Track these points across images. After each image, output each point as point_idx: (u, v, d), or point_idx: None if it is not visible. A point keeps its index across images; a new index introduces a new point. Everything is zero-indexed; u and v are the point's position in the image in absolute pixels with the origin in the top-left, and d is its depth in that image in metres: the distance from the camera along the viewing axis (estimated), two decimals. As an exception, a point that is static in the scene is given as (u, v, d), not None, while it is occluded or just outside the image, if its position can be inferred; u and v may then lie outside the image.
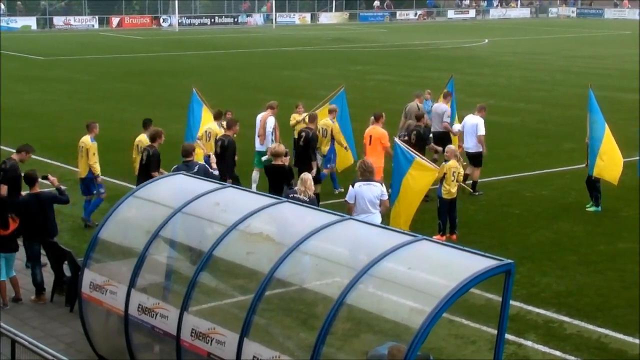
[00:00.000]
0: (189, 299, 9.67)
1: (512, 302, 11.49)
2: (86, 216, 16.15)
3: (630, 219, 17.29)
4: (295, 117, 19.11)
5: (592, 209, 17.67)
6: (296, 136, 17.75)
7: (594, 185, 17.68)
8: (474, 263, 8.32)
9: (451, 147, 16.06)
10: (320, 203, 18.04)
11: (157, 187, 11.65)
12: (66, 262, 12.80)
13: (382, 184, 13.75)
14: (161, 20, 75.20)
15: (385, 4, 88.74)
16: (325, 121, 18.52)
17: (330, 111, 18.64)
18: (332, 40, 61.69)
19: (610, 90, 29.61)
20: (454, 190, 15.67)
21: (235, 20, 79.18)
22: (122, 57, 48.12)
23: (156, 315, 9.97)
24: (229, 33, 68.41)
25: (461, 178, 15.82)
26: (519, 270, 13.19)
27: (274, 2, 77.26)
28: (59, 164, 20.91)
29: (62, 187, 13.29)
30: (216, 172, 15.02)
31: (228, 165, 16.24)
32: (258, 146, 18.46)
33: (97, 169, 15.86)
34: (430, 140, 19.00)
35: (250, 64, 46.02)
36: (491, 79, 37.74)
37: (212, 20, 77.84)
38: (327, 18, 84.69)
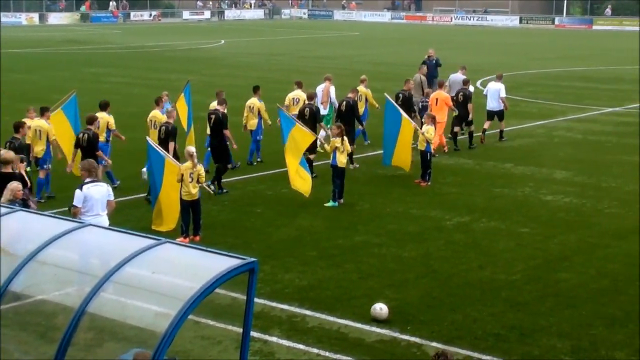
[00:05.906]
0: None
1: (256, 300, 11.65)
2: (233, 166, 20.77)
3: (364, 212, 18.10)
4: (28, 122, 18.25)
5: (330, 204, 18.32)
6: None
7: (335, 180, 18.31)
8: (218, 263, 8.33)
9: (189, 148, 16.06)
10: (355, 156, 21.66)
11: None
12: None
13: (108, 185, 13.50)
14: None
15: (121, 5, 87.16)
16: (360, 88, 23.95)
17: (362, 80, 24.43)
18: (64, 41, 59.62)
19: (344, 89, 30.82)
20: (194, 191, 15.63)
21: (-47, 20, 74.42)
22: None
23: None
24: (-53, 34, 64.13)
25: (202, 180, 15.79)
26: (262, 268, 13.43)
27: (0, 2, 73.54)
28: None
29: None
30: None
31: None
32: (322, 111, 23.20)
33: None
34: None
35: (-25, 66, 43.42)
36: (229, 80, 38.09)
37: None
38: (57, 19, 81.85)
